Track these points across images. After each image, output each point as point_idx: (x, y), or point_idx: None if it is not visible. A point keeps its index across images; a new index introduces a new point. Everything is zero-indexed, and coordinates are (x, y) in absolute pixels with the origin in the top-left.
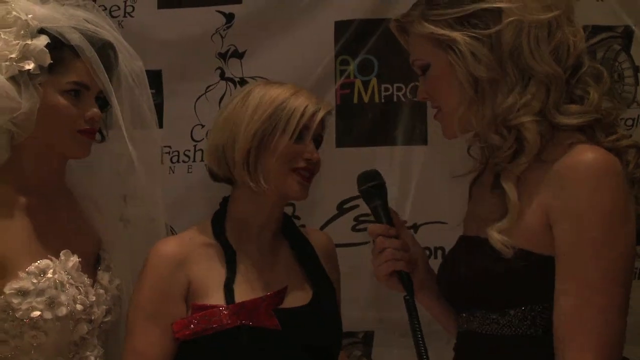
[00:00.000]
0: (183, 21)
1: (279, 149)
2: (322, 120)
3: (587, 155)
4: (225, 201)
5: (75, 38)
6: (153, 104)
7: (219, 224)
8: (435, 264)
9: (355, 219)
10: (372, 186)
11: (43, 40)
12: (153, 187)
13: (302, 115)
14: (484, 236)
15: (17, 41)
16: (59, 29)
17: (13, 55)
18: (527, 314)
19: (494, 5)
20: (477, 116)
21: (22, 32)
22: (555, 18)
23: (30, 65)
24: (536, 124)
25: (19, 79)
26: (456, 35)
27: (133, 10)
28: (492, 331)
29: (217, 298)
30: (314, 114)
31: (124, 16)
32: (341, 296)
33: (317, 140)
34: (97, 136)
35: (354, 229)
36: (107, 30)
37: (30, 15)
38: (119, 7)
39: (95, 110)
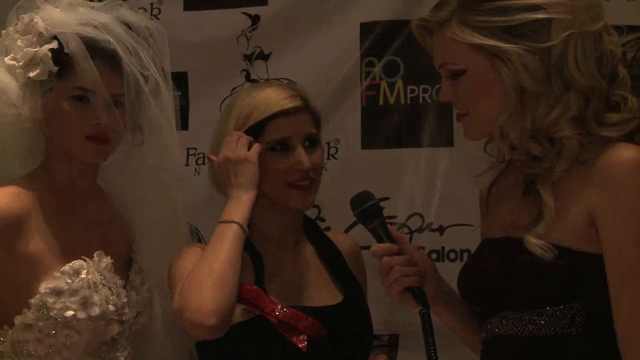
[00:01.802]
0: (209, 23)
1: (267, 168)
2: (306, 118)
3: (628, 152)
4: None
5: (72, 45)
6: (172, 108)
7: None
8: (460, 266)
9: None
10: (366, 208)
11: (50, 46)
12: (173, 190)
13: (271, 124)
14: (516, 236)
15: (28, 48)
16: (65, 35)
17: (21, 62)
18: (567, 312)
19: (545, 17)
20: (516, 126)
21: (34, 39)
22: (600, 29)
23: (34, 72)
24: (578, 136)
25: (27, 85)
26: (507, 46)
27: (159, 12)
28: (528, 332)
29: None
30: (285, 118)
31: (150, 18)
32: (367, 299)
33: (312, 141)
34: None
35: None
36: (115, 35)
37: (47, 22)
38: (145, 9)
39: (103, 115)
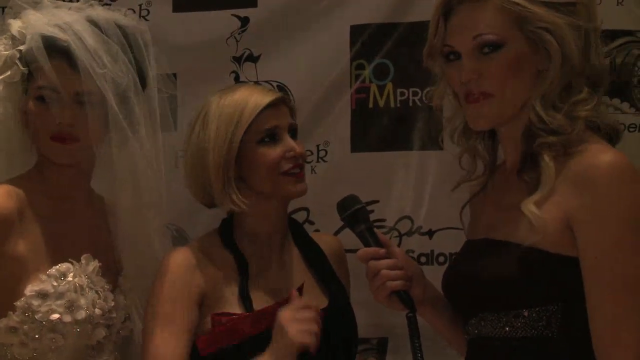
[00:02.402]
0: (198, 25)
1: (257, 161)
2: (286, 110)
3: (607, 157)
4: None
5: (32, 45)
6: (153, 109)
7: (227, 233)
8: None
9: None
10: (353, 212)
11: (20, 48)
12: (148, 194)
13: (259, 116)
14: (496, 238)
15: (5, 52)
16: (30, 36)
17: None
18: (542, 315)
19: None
20: (546, 98)
21: (9, 42)
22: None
23: (5, 74)
24: (593, 117)
25: (4, 87)
26: (559, 19)
27: (148, 13)
28: (505, 334)
29: (233, 306)
30: (271, 110)
31: (139, 19)
32: (354, 302)
33: (293, 131)
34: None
35: None
36: (76, 33)
37: (24, 24)
38: (134, 10)
39: (63, 114)
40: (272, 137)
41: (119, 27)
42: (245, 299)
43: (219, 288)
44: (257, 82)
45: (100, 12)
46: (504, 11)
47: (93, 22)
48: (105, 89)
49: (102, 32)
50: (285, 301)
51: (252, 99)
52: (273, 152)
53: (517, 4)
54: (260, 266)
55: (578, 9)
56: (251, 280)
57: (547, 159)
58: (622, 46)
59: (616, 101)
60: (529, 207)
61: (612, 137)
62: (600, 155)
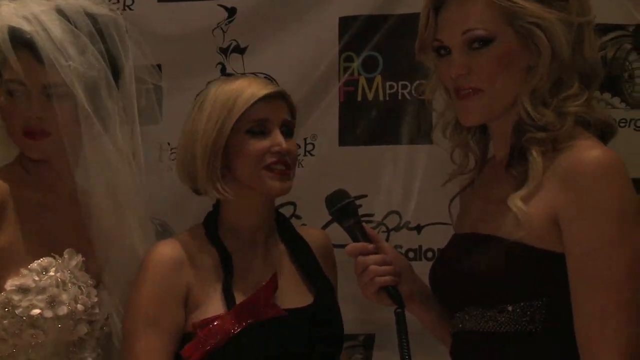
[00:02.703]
0: (184, 15)
1: (243, 151)
2: (283, 106)
3: (595, 152)
4: (217, 204)
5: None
6: (129, 103)
7: (212, 227)
8: None
9: None
10: (342, 207)
11: None
12: (123, 191)
13: (252, 106)
14: (482, 232)
15: None
16: None
17: None
18: (526, 310)
19: None
20: (535, 94)
21: None
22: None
23: None
24: (585, 112)
25: None
26: (550, 15)
27: (133, 3)
28: (489, 329)
29: (216, 303)
30: (265, 102)
31: (124, 9)
32: (342, 297)
33: (287, 128)
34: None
35: None
36: (42, 25)
37: None
38: (118, 0)
39: (33, 108)
40: (260, 129)
41: (90, 16)
42: (228, 296)
43: (203, 283)
44: (254, 74)
45: (70, 1)
46: (494, 6)
47: (61, 12)
48: (72, 82)
49: (70, 22)
50: (262, 288)
51: (249, 89)
52: (259, 145)
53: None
54: (245, 261)
55: (570, 4)
56: (236, 275)
57: (535, 155)
58: (614, 40)
59: (607, 96)
60: (515, 202)
61: (605, 133)
62: (588, 152)
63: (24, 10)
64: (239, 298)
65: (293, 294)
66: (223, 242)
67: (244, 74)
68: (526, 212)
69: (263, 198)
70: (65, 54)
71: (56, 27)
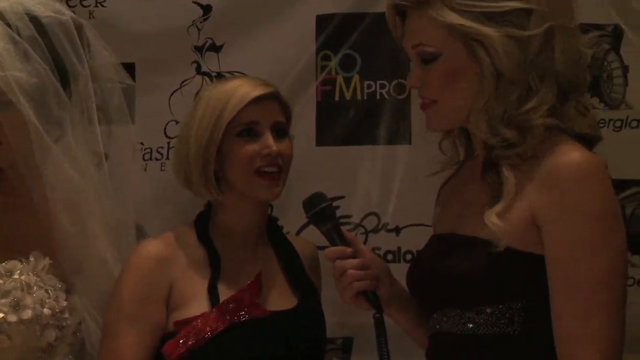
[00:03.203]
0: (158, 12)
1: (233, 154)
2: (275, 107)
3: (575, 155)
4: (210, 204)
5: None
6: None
7: (203, 227)
8: None
9: None
10: (319, 210)
11: None
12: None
13: (242, 109)
14: (460, 233)
15: None
16: None
17: None
18: (505, 312)
19: (527, 6)
20: (489, 112)
21: None
22: (577, 28)
23: None
24: (548, 123)
25: None
26: (489, 31)
27: (105, 0)
28: (467, 331)
29: (200, 302)
30: (256, 104)
31: (95, 6)
32: (320, 301)
33: (279, 129)
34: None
35: None
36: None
37: None
38: None
39: None
40: (250, 132)
41: (33, 18)
42: (212, 294)
43: (188, 282)
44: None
45: (11, 2)
46: (437, 23)
47: (1, 16)
48: (13, 91)
49: (10, 26)
50: (247, 287)
51: (239, 91)
52: (248, 148)
53: (449, 16)
54: (233, 262)
55: (519, 17)
56: (222, 276)
57: (505, 172)
58: (592, 40)
59: (586, 96)
60: (491, 218)
61: (590, 140)
62: (567, 154)
63: None
64: (224, 298)
65: (277, 297)
66: (213, 242)
67: (241, 74)
68: (502, 227)
69: (254, 202)
70: (3, 63)
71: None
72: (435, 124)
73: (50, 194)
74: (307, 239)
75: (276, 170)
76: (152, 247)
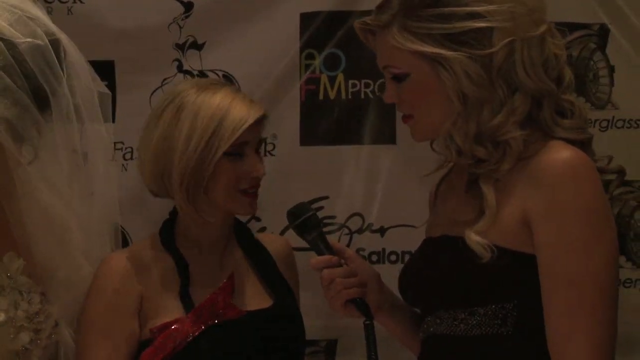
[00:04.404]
0: (138, 9)
1: (220, 174)
2: (261, 125)
3: (564, 153)
4: (174, 211)
5: None
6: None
7: (168, 235)
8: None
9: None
10: (303, 221)
11: None
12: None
13: (242, 132)
14: (453, 234)
15: None
16: None
17: None
18: (498, 313)
19: (486, 25)
20: (461, 130)
21: None
22: (543, 33)
23: None
24: (523, 136)
25: None
26: (449, 53)
27: None
28: (460, 332)
29: (173, 309)
30: (251, 126)
31: (74, 2)
32: (303, 303)
33: (259, 145)
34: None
35: None
36: None
37: None
38: None
39: None
40: (239, 152)
41: (10, 45)
42: (185, 300)
43: (158, 292)
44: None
45: None
46: (400, 46)
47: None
48: None
49: None
50: (220, 289)
51: (235, 112)
52: (236, 169)
53: (408, 42)
54: (202, 268)
55: (476, 38)
56: (193, 282)
57: (484, 187)
58: (578, 40)
59: (573, 96)
60: (471, 237)
61: (582, 142)
62: (557, 153)
63: None
64: (197, 303)
65: (252, 298)
66: (180, 249)
67: (217, 80)
68: (484, 245)
69: (227, 215)
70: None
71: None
72: (417, 137)
73: (27, 214)
74: (277, 235)
75: (255, 190)
76: (116, 261)
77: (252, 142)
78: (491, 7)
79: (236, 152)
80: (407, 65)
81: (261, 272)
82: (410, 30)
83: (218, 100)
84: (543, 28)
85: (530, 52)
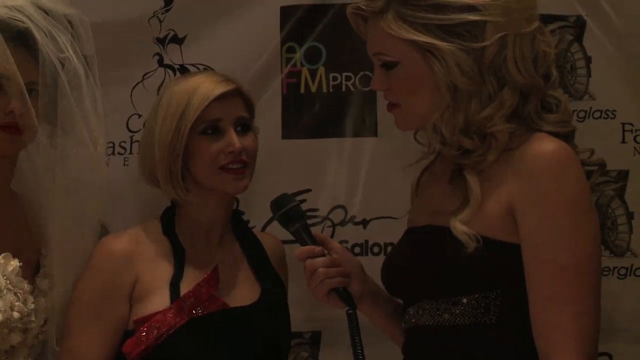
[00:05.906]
0: (118, 3)
1: (198, 153)
2: (238, 103)
3: (549, 145)
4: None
5: None
6: (95, 103)
7: (168, 221)
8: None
9: None
10: (286, 211)
11: None
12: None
13: (206, 107)
14: (437, 224)
15: None
16: None
17: None
18: (481, 301)
19: (480, 18)
20: (449, 122)
21: None
22: (535, 30)
23: None
24: (509, 129)
25: None
26: (442, 44)
27: None
28: (444, 322)
29: (161, 296)
30: (218, 101)
31: (70, 5)
32: (288, 295)
33: (243, 125)
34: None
35: None
36: (29, 17)
37: None
38: None
39: (15, 102)
40: (214, 129)
41: (64, 15)
42: (173, 289)
43: (151, 276)
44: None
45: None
46: (393, 34)
47: (40, 8)
48: (59, 77)
49: (52, 18)
50: (204, 281)
51: (202, 88)
52: (212, 146)
53: (402, 30)
54: (198, 257)
55: (469, 30)
56: (187, 271)
57: (469, 178)
58: (555, 31)
59: (557, 91)
60: (457, 226)
61: (565, 134)
62: (541, 145)
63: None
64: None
65: (242, 291)
66: (178, 236)
67: (205, 70)
68: (470, 234)
69: (219, 197)
70: (57, 48)
71: (41, 20)
72: (401, 126)
73: (59, 182)
74: (272, 235)
75: (241, 166)
76: (114, 244)
77: (226, 118)
78: (486, 1)
79: (210, 129)
80: (399, 54)
81: (254, 264)
82: (405, 19)
83: (189, 83)
84: (535, 25)
85: (521, 48)
